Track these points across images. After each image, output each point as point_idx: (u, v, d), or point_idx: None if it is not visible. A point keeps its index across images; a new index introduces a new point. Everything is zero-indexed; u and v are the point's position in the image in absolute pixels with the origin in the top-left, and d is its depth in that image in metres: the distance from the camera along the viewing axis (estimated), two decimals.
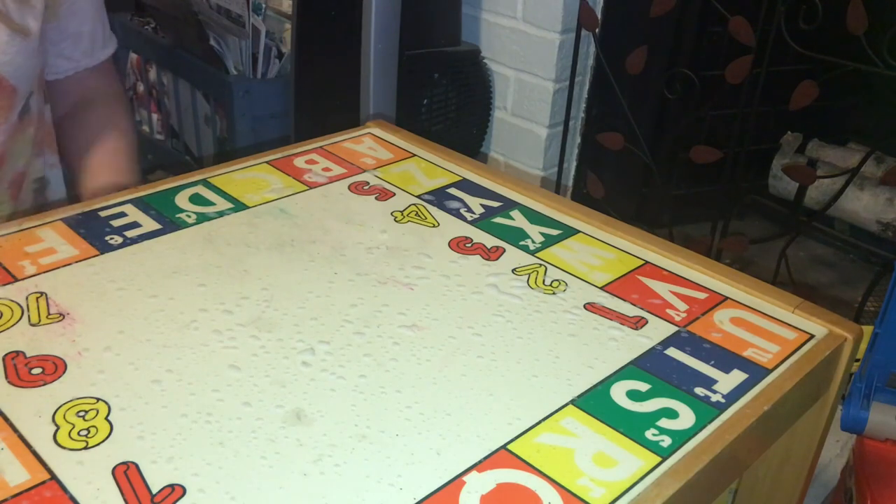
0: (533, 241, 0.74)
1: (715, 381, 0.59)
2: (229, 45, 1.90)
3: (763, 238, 1.76)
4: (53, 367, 0.55)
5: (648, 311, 0.66)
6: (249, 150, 0.88)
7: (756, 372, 0.60)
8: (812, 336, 0.65)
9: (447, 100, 1.78)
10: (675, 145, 1.77)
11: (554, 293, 0.68)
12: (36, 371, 0.55)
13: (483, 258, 0.72)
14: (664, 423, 0.55)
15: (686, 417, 0.55)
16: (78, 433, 0.51)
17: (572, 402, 0.56)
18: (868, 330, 0.98)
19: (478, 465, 0.51)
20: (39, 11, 0.90)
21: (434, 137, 0.95)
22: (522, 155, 1.88)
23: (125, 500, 0.47)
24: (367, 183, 0.83)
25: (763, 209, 1.97)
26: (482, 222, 0.77)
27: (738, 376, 0.60)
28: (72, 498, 0.47)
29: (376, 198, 0.80)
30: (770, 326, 0.65)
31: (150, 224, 0.73)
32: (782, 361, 0.61)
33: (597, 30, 1.66)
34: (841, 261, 1.90)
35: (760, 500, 0.74)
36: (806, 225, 1.76)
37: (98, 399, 0.53)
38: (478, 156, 1.92)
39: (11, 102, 0.91)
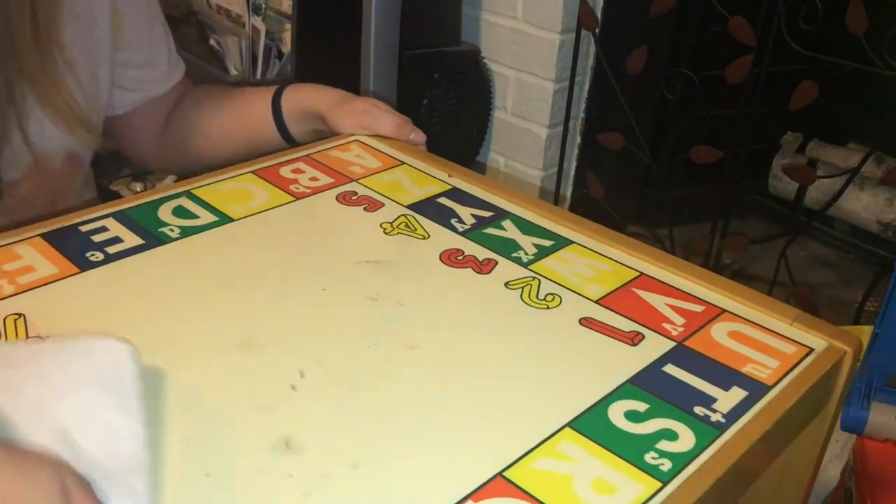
0: (526, 253, 0.73)
1: (714, 400, 0.57)
2: (229, 45, 1.89)
3: (763, 238, 1.75)
4: None
5: (645, 326, 0.64)
6: None
7: (756, 389, 0.59)
8: (811, 350, 0.63)
9: (447, 100, 1.77)
10: (675, 145, 1.76)
11: (548, 308, 0.66)
12: None
13: (475, 271, 0.70)
14: (664, 445, 0.53)
15: (686, 439, 0.54)
16: None
17: (569, 424, 0.54)
18: (868, 330, 0.97)
19: (473, 495, 0.49)
20: (106, 83, 0.91)
21: (434, 137, 0.94)
22: (522, 155, 1.86)
23: None
24: (356, 193, 0.81)
25: (763, 209, 1.96)
26: (473, 233, 0.75)
27: (737, 394, 0.58)
28: None
29: (364, 209, 0.78)
30: (769, 340, 0.64)
31: (132, 239, 0.71)
32: (782, 377, 0.60)
33: (597, 30, 1.65)
34: (841, 261, 1.89)
35: None
36: (806, 225, 1.75)
37: None
38: (477, 156, 1.91)
39: (81, 174, 0.93)
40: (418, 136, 0.91)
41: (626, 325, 0.65)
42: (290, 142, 0.97)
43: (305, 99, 0.94)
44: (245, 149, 0.99)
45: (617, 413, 0.56)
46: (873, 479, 0.94)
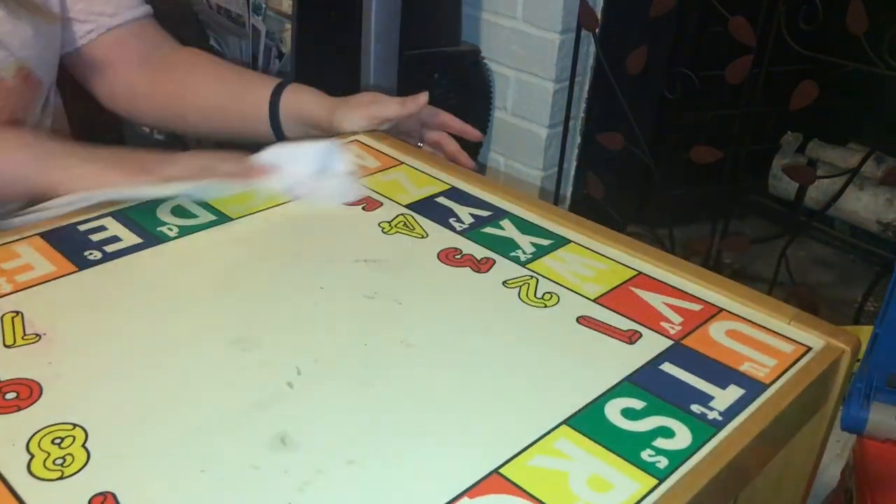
0: (524, 252, 0.73)
1: (711, 398, 0.57)
2: (229, 45, 1.88)
3: (763, 238, 1.75)
4: (28, 392, 0.54)
5: (642, 324, 0.64)
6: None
7: (753, 387, 0.59)
8: (809, 348, 0.63)
9: (447, 100, 1.77)
10: (675, 145, 1.76)
11: (545, 306, 0.66)
12: (10, 396, 0.53)
13: (473, 270, 0.70)
14: (660, 442, 0.53)
15: (682, 437, 0.54)
16: (53, 462, 0.49)
17: (566, 422, 0.54)
18: (868, 330, 0.97)
19: (469, 491, 0.49)
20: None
21: None
22: (522, 155, 1.86)
23: None
24: None
25: (763, 209, 1.96)
26: (472, 232, 0.75)
27: (734, 392, 0.58)
28: None
29: (363, 208, 0.78)
30: (766, 339, 0.64)
31: (130, 238, 0.71)
32: (780, 376, 0.60)
33: (597, 30, 1.65)
34: (841, 261, 1.88)
35: None
36: (806, 225, 1.75)
37: (75, 425, 0.52)
38: (477, 156, 1.91)
39: (37, 94, 0.91)
40: (421, 99, 0.92)
41: (623, 323, 0.65)
42: (279, 137, 0.96)
43: (307, 104, 0.94)
44: (228, 129, 0.99)
45: (614, 411, 0.56)
46: (873, 479, 0.94)
